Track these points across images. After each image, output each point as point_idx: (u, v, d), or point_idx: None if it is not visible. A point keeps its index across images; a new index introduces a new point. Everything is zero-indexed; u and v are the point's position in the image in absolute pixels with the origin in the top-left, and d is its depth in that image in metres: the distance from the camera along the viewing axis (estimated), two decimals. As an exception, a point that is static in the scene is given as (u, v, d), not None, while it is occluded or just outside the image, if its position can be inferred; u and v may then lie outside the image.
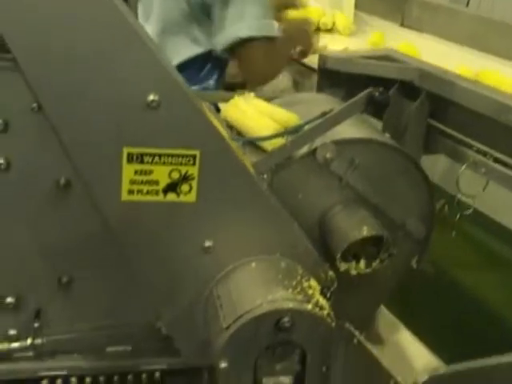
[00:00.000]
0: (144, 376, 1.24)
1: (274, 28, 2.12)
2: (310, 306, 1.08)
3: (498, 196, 1.44)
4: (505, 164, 1.36)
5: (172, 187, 1.12)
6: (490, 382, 0.91)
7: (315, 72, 1.69)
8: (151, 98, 1.06)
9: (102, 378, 1.23)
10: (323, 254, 1.22)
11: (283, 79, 2.36)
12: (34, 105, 1.07)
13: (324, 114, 1.25)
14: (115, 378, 1.24)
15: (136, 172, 1.10)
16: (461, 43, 2.73)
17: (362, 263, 1.22)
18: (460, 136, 1.44)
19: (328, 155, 1.21)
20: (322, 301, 1.11)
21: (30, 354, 1.20)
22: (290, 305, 1.07)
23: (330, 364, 1.10)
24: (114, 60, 1.04)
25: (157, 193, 1.11)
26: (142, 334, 1.24)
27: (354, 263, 1.22)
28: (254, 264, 1.16)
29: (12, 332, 1.18)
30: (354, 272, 1.22)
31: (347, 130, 1.25)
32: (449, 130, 1.47)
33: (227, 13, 2.07)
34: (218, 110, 1.44)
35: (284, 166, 1.21)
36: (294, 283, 1.12)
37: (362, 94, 1.21)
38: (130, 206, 1.11)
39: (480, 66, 2.41)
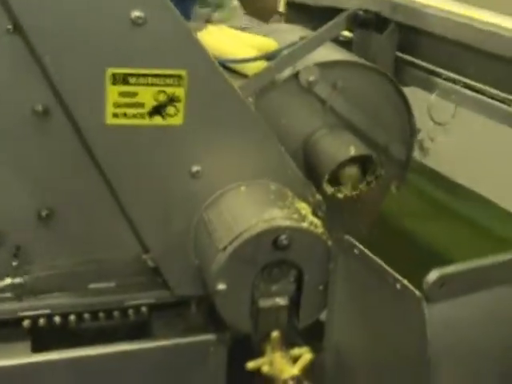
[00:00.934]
0: (130, 311, 1.21)
1: None
2: (306, 224, 1.07)
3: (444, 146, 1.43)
4: (475, 89, 1.37)
5: (158, 110, 1.09)
6: (497, 274, 0.93)
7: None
8: (136, 14, 1.02)
9: (86, 316, 1.19)
10: (308, 179, 1.21)
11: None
12: (10, 26, 1.02)
13: (302, 38, 1.23)
14: (100, 314, 1.20)
15: (120, 94, 1.06)
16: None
17: (350, 186, 1.21)
18: (429, 66, 1.44)
19: (311, 78, 1.20)
20: (316, 220, 1.10)
21: (9, 294, 1.16)
22: (288, 223, 1.06)
23: (326, 283, 1.09)
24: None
25: (142, 116, 1.08)
26: (127, 268, 1.21)
27: (340, 187, 1.21)
28: (243, 188, 1.15)
29: (-11, 272, 1.13)
30: (340, 195, 1.21)
31: (329, 53, 1.24)
32: (418, 61, 1.47)
33: None
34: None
35: (267, 89, 1.20)
36: (287, 204, 1.11)
37: (344, 14, 1.20)
38: (114, 130, 1.08)
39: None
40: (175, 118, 1.09)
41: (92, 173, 1.11)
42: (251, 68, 1.23)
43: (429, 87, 1.43)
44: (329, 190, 1.20)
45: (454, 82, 1.40)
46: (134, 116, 1.08)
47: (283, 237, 1.05)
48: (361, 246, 0.98)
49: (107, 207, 1.15)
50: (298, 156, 1.23)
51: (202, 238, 1.14)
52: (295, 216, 1.08)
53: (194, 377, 1.22)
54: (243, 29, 1.40)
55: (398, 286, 0.91)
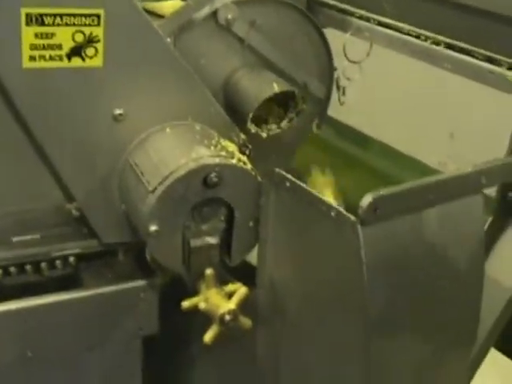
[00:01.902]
0: (58, 263, 1.18)
1: None
2: (234, 161, 1.07)
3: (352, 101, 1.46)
4: (388, 26, 1.39)
5: (76, 51, 1.05)
6: (425, 197, 0.96)
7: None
8: None
9: (13, 269, 1.15)
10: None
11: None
12: None
13: (219, -24, 1.21)
14: (27, 267, 1.17)
15: (37, 35, 1.02)
16: None
17: (272, 124, 1.22)
18: (342, 5, 1.46)
19: (229, 16, 1.19)
20: (244, 158, 1.11)
21: None
22: (217, 160, 1.06)
23: (256, 218, 1.10)
24: None
25: (60, 58, 1.05)
26: (51, 219, 1.18)
27: (263, 125, 1.21)
28: (168, 129, 1.13)
29: None
30: (264, 134, 1.22)
31: (246, -9, 1.23)
32: (331, 1, 1.48)
33: None
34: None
35: (185, 29, 1.18)
36: (214, 142, 1.11)
37: None
38: (32, 74, 1.04)
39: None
40: (95, 59, 1.07)
41: (9, 120, 1.07)
42: (168, 7, 1.20)
43: (343, 27, 1.45)
44: (253, 128, 1.20)
45: (368, 20, 1.41)
46: (52, 58, 1.04)
47: (213, 174, 1.05)
48: (292, 179, 0.99)
49: (27, 156, 1.11)
50: (219, 97, 1.22)
51: (128, 183, 1.12)
52: (223, 153, 1.08)
53: (127, 323, 1.22)
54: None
55: (333, 213, 0.93)
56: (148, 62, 1.10)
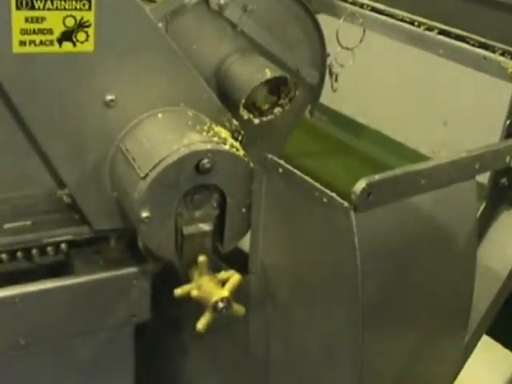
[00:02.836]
0: (49, 249, 1.17)
1: None
2: (227, 147, 1.07)
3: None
4: (382, 12, 1.39)
5: (67, 36, 1.04)
6: (419, 183, 0.96)
7: None
8: None
9: (4, 256, 1.14)
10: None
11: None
12: None
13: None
14: (18, 254, 1.16)
15: (27, 20, 1.01)
16: None
17: (264, 111, 1.21)
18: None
19: (222, 1, 1.18)
20: (236, 144, 1.10)
21: None
22: (209, 146, 1.05)
23: (249, 205, 1.10)
24: None
25: (51, 43, 1.03)
26: (42, 206, 1.17)
27: (256, 111, 1.21)
28: (160, 115, 1.12)
29: None
30: (256, 120, 1.21)
31: (238, -25, 1.21)
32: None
33: None
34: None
35: (177, 14, 1.18)
36: (206, 128, 1.10)
37: None
38: (23, 59, 1.02)
39: None
40: (86, 44, 1.05)
41: (3, 106, 1.06)
42: (160, -8, 1.19)
43: (336, 12, 1.44)
44: (245, 114, 1.19)
45: (362, 6, 1.41)
46: (43, 43, 1.03)
47: (205, 160, 1.04)
48: (285, 164, 0.98)
49: (18, 142, 1.10)
50: (211, 83, 1.22)
51: (120, 169, 1.11)
52: (215, 139, 1.07)
53: (119, 310, 1.21)
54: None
55: (325, 199, 0.93)
56: (139, 47, 1.08)
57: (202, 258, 1.10)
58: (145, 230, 1.06)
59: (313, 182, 0.95)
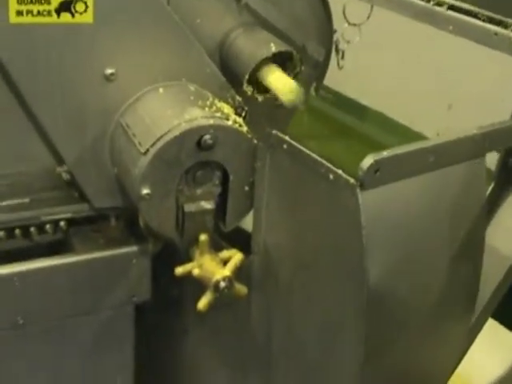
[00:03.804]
0: (48, 227, 1.15)
1: None
2: (230, 122, 1.03)
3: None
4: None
5: (65, 6, 1.00)
6: (427, 160, 0.93)
7: None
8: None
9: (2, 234, 1.12)
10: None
11: None
12: None
13: None
14: (16, 231, 1.13)
15: (24, -12, 0.97)
16: None
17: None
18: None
19: (226, -26, 1.13)
20: (240, 120, 1.07)
21: None
22: (211, 121, 1.02)
23: (252, 182, 1.07)
24: None
25: (49, 13, 1.00)
26: (41, 183, 1.14)
27: (260, 88, 1.17)
28: (161, 90, 1.09)
29: None
30: (260, 97, 1.18)
31: None
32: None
33: None
34: None
35: (180, -14, 1.12)
36: (208, 103, 1.07)
37: None
38: (20, 30, 0.99)
39: None
40: (85, 15, 1.02)
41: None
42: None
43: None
44: (249, 90, 1.16)
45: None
46: (40, 13, 1.00)
47: (207, 136, 1.01)
48: (290, 140, 0.95)
49: (16, 117, 1.07)
50: (215, 58, 1.18)
51: (120, 145, 1.08)
52: (218, 115, 1.04)
53: (118, 290, 1.19)
54: None
55: (331, 176, 0.90)
56: (141, 19, 1.05)
57: (203, 237, 1.07)
58: (145, 208, 1.03)
59: (319, 158, 0.91)
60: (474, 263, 1.11)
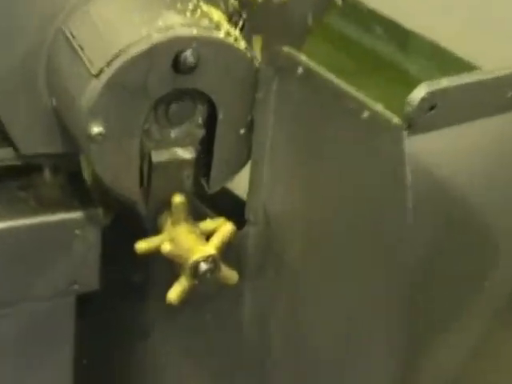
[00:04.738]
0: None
1: None
2: (220, 34, 1.03)
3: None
4: None
5: None
6: (503, 96, 0.93)
7: None
8: None
9: None
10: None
11: None
12: None
13: None
14: None
15: None
16: None
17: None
18: None
19: None
20: (235, 31, 1.06)
21: None
22: (194, 31, 1.01)
23: (250, 123, 1.07)
24: None
25: None
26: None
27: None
28: (123, -15, 1.08)
29: None
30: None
31: None
32: None
33: None
34: None
35: None
36: (191, 7, 1.06)
37: None
38: None
39: None
40: None
41: None
42: None
43: None
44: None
45: None
46: None
47: (188, 52, 0.99)
48: (308, 61, 0.95)
49: None
50: None
51: (61, 63, 1.07)
52: (205, 23, 1.03)
53: (54, 273, 1.20)
54: None
55: (366, 113, 0.89)
56: None
57: (178, 199, 1.06)
58: (96, 154, 1.02)
59: (348, 87, 0.91)
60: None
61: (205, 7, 1.07)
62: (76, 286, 1.21)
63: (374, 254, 0.95)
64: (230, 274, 1.07)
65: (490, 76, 0.91)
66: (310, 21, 1.31)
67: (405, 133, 0.86)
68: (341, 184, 0.97)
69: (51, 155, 1.17)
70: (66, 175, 1.22)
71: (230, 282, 1.07)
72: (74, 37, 1.06)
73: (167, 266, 1.07)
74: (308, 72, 0.96)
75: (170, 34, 1.00)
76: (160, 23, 1.01)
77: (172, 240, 1.06)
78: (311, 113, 0.97)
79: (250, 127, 1.07)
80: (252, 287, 1.12)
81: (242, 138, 1.08)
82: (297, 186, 1.04)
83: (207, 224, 1.08)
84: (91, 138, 1.01)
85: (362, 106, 0.90)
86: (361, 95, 0.91)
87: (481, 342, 1.15)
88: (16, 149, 1.15)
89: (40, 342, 1.23)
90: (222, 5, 1.13)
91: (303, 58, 0.97)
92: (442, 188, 0.93)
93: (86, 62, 1.02)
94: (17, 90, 1.10)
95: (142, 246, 1.07)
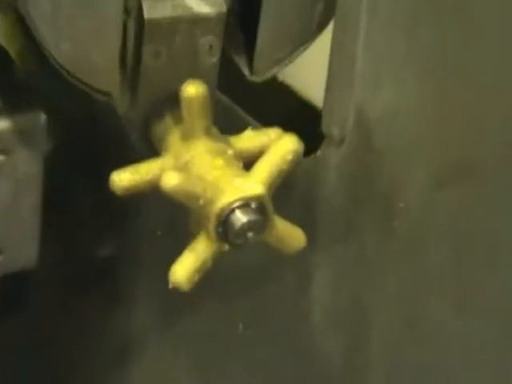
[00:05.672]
0: None
1: None
2: None
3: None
4: None
5: None
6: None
7: None
8: None
9: None
10: None
11: None
12: None
13: None
14: None
15: None
16: None
17: None
18: None
19: None
20: None
21: None
22: None
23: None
24: None
25: None
26: None
27: None
28: None
29: None
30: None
31: None
32: None
33: None
34: None
35: None
36: None
37: None
38: None
39: None
40: None
41: None
42: None
43: None
44: None
45: None
46: None
47: None
48: None
49: None
50: None
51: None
52: None
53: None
54: None
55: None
56: None
57: (192, 90, 0.67)
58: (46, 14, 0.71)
59: None
60: None
61: None
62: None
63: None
64: (290, 235, 0.68)
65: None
66: None
67: None
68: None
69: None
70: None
71: (291, 250, 0.69)
72: None
73: (168, 223, 0.83)
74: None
75: None
76: None
77: (182, 167, 0.67)
78: None
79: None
80: (332, 260, 0.78)
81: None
82: (423, 72, 0.69)
83: (248, 139, 0.70)
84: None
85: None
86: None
87: None
88: None
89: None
90: None
91: None
92: None
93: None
94: None
95: (123, 177, 0.66)
